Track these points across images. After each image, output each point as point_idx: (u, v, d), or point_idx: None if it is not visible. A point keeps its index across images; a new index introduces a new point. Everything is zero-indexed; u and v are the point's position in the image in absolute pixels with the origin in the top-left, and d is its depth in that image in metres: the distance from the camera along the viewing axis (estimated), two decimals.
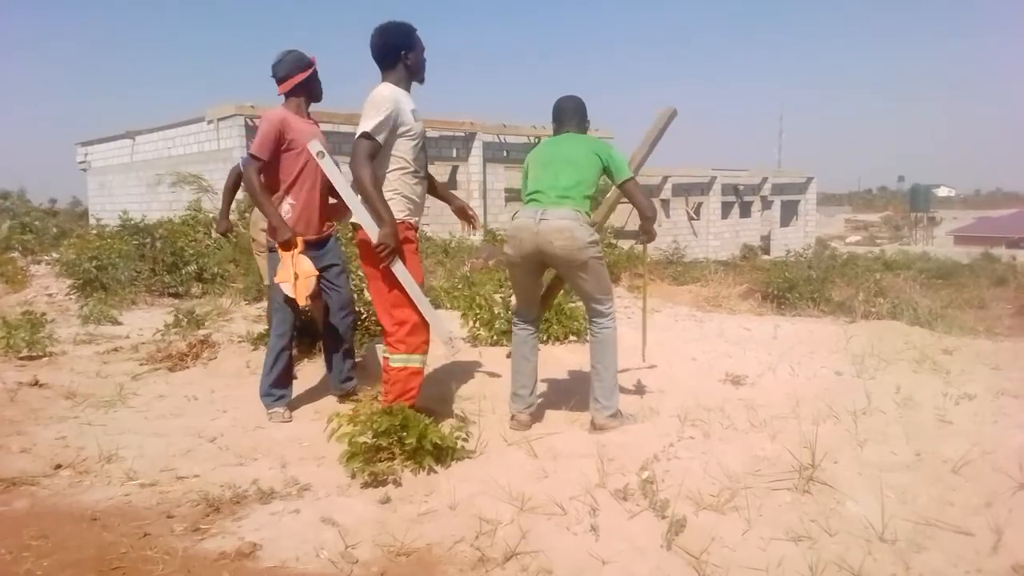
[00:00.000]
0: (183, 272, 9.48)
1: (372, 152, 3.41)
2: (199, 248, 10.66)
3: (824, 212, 55.34)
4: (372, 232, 3.44)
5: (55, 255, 11.78)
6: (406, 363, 3.59)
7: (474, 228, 4.23)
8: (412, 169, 3.58)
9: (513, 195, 19.06)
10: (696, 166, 30.01)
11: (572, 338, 5.72)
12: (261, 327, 6.03)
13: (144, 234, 10.26)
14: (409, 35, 3.59)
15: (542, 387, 4.20)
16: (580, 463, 3.16)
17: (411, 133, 3.53)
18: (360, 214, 3.51)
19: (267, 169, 3.95)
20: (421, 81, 3.70)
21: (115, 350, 5.77)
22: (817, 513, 2.66)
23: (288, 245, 3.88)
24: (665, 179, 27.62)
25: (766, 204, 33.00)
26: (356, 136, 3.42)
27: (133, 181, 21.52)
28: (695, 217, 29.51)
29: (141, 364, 5.28)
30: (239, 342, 5.82)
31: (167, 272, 9.45)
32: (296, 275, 3.88)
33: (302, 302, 3.96)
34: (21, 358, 5.32)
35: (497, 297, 6.52)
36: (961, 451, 3.05)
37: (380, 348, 4.04)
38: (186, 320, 6.42)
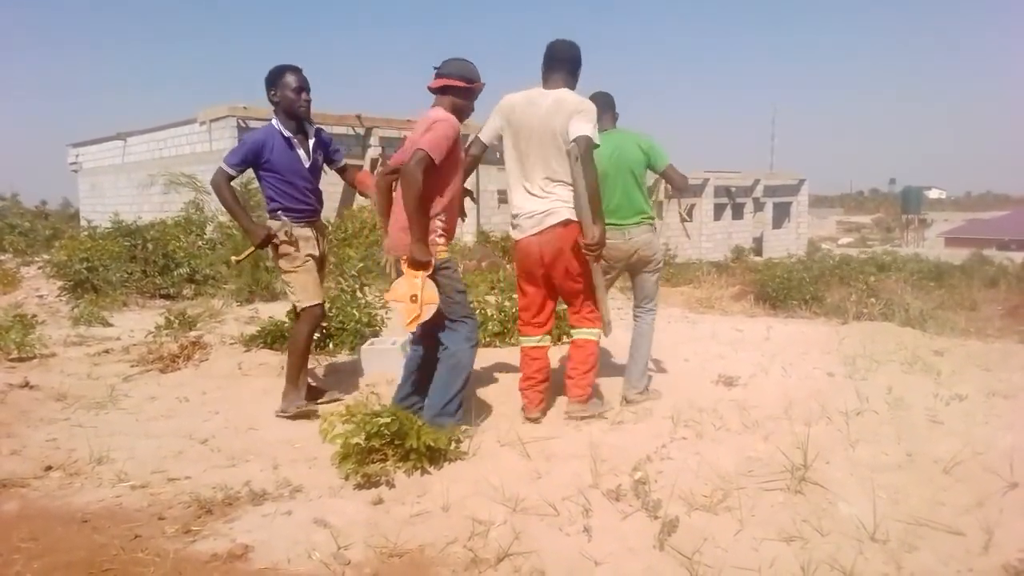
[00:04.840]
0: (175, 274, 9.45)
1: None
2: (191, 250, 10.63)
3: (816, 214, 55.54)
4: (589, 230, 3.58)
5: (46, 256, 11.73)
6: (599, 335, 3.96)
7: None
8: None
9: (507, 197, 19.04)
10: (689, 168, 30.09)
11: (565, 339, 5.72)
12: (253, 328, 6.02)
13: (135, 236, 10.22)
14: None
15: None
16: (573, 464, 3.16)
17: None
18: (586, 214, 3.59)
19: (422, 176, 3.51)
20: None
21: (106, 352, 5.74)
22: (809, 513, 2.67)
23: (424, 266, 3.58)
24: (658, 181, 27.64)
25: (758, 206, 33.09)
26: (581, 135, 3.52)
27: (124, 183, 21.41)
28: (688, 219, 29.58)
29: (132, 366, 5.26)
30: (231, 343, 5.80)
31: (159, 274, 9.42)
32: (416, 298, 3.57)
33: (411, 329, 3.71)
34: (11, 360, 5.29)
35: (490, 299, 6.52)
36: (952, 451, 3.07)
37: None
38: (177, 322, 6.39)
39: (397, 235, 3.70)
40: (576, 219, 3.66)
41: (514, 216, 3.88)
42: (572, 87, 3.79)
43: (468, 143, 3.93)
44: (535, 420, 3.95)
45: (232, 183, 4.11)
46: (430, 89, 3.75)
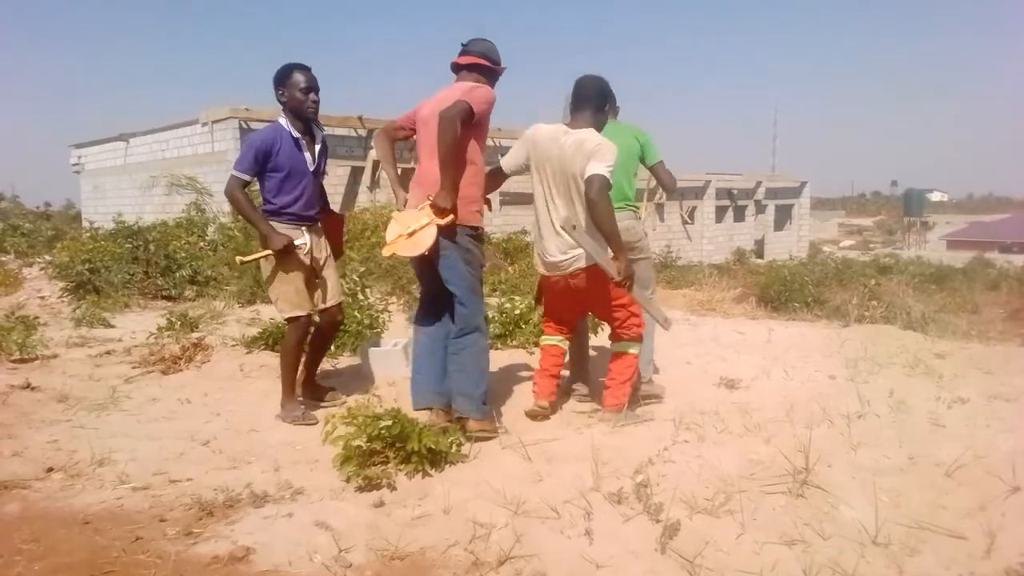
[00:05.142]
0: (176, 275, 9.45)
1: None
2: (193, 251, 10.63)
3: (818, 216, 55.48)
4: (610, 267, 3.68)
5: (48, 257, 11.74)
6: (639, 348, 4.05)
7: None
8: None
9: (507, 198, 19.03)
10: (690, 170, 30.09)
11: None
12: (254, 330, 6.02)
13: (137, 237, 10.23)
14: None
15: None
16: (574, 467, 3.15)
17: None
18: (598, 252, 3.68)
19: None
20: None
21: (108, 353, 5.74)
22: (811, 517, 2.66)
23: (443, 213, 3.58)
24: (655, 187, 27.60)
25: (760, 208, 33.06)
26: (596, 173, 3.58)
27: (126, 183, 21.42)
28: (689, 221, 29.56)
29: (134, 367, 5.26)
30: (233, 345, 5.80)
31: (160, 275, 9.42)
32: (411, 232, 3.59)
33: (385, 252, 3.75)
34: (13, 361, 5.29)
35: (491, 301, 6.51)
36: (954, 455, 3.07)
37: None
38: (179, 323, 6.39)
39: (434, 183, 3.68)
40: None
41: (540, 252, 3.92)
42: (600, 124, 3.87)
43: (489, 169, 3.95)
44: (542, 409, 4.03)
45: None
46: (456, 65, 3.82)
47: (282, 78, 3.98)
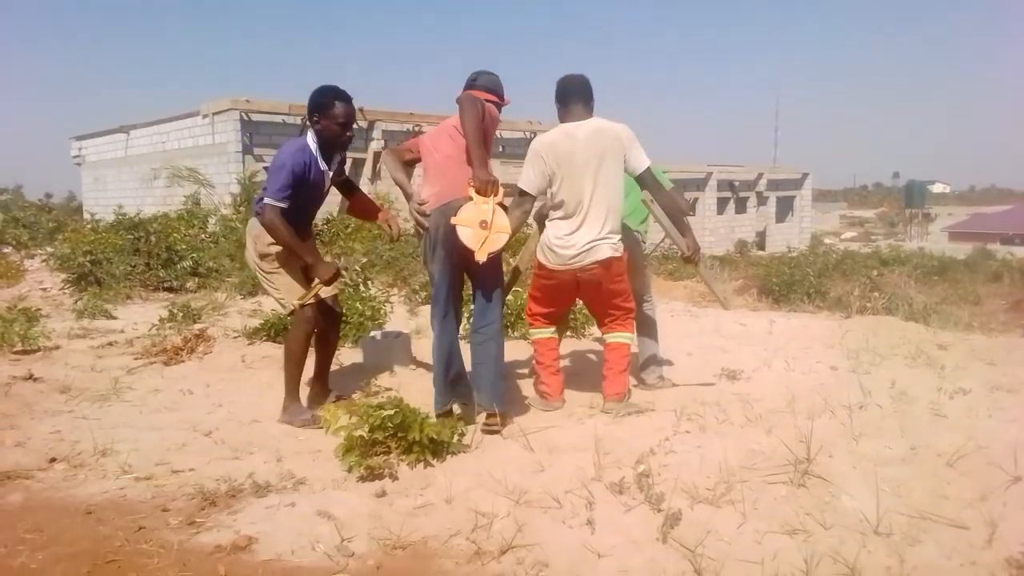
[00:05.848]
0: (178, 267, 9.47)
1: None
2: (194, 243, 10.64)
3: (819, 208, 55.42)
4: (681, 242, 4.14)
5: (49, 249, 11.74)
6: (632, 339, 4.17)
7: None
8: None
9: (509, 191, 19.00)
10: (692, 162, 30.03)
11: (568, 334, 5.72)
12: (256, 321, 6.02)
13: (139, 229, 10.24)
14: None
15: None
16: (576, 457, 3.16)
17: None
18: (675, 235, 4.13)
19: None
20: None
21: (110, 344, 5.75)
22: (812, 506, 2.66)
23: (493, 188, 3.54)
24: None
25: (762, 200, 33.03)
26: (646, 168, 3.84)
27: (127, 175, 21.41)
28: (691, 213, 29.55)
29: (136, 358, 5.27)
30: (234, 336, 5.81)
31: (162, 267, 9.44)
32: (486, 224, 3.50)
33: (480, 257, 3.52)
34: (15, 352, 5.30)
35: None
36: (956, 445, 3.06)
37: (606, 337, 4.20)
38: (181, 314, 6.40)
39: (447, 187, 3.70)
40: (618, 255, 3.83)
41: (555, 247, 3.83)
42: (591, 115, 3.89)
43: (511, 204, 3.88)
44: (558, 409, 4.07)
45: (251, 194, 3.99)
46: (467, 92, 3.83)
47: (322, 106, 3.78)
